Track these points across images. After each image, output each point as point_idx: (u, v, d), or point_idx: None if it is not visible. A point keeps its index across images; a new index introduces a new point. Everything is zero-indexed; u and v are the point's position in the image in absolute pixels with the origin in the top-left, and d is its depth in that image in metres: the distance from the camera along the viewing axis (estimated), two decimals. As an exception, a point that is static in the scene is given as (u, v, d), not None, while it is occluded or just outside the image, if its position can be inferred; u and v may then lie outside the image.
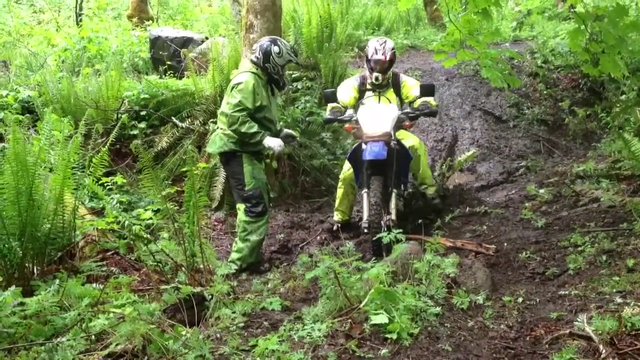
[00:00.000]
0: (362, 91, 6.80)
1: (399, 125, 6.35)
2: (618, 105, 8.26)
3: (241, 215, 5.82)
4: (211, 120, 7.94)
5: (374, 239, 5.56)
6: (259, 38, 7.25)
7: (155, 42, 10.69)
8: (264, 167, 6.02)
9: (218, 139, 5.86)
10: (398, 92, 6.73)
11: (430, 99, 6.49)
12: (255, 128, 5.68)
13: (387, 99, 6.67)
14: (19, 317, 3.69)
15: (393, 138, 6.07)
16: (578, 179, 6.97)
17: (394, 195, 6.08)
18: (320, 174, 7.83)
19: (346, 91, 6.76)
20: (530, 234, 5.82)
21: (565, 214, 6.13)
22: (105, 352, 3.47)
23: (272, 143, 5.82)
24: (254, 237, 5.81)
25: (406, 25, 14.29)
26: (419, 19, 14.97)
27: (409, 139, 6.74)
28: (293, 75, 8.94)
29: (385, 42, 6.64)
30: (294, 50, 6.10)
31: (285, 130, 6.38)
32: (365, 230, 5.79)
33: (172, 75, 9.42)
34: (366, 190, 5.94)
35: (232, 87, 5.80)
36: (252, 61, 5.95)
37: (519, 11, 10.48)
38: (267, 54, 5.85)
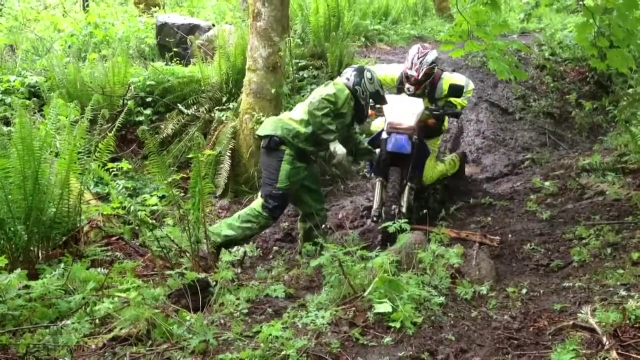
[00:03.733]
0: (399, 88, 6.60)
1: (421, 120, 6.26)
2: (625, 98, 8.22)
3: (258, 205, 5.60)
4: (217, 107, 7.94)
5: (380, 227, 5.56)
6: (266, 26, 7.27)
7: (162, 29, 10.67)
8: (306, 169, 5.70)
9: (271, 123, 5.68)
10: (433, 99, 6.52)
11: (457, 100, 6.45)
12: (333, 126, 5.51)
13: None
14: (24, 299, 3.73)
15: (415, 132, 6.01)
16: (584, 172, 6.94)
17: (407, 188, 6.07)
18: (325, 163, 7.81)
19: (386, 73, 6.73)
20: (535, 226, 5.82)
21: (571, 206, 6.13)
22: (110, 335, 3.49)
23: (339, 149, 5.60)
24: (252, 228, 5.61)
25: (413, 15, 14.23)
26: (426, 10, 14.89)
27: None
28: (300, 64, 8.93)
29: (425, 55, 6.35)
30: (382, 86, 6.02)
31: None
32: (375, 219, 5.78)
33: (178, 62, 9.41)
34: (380, 179, 5.94)
35: (328, 83, 5.77)
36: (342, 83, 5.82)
37: (527, 3, 10.43)
38: (359, 77, 5.77)
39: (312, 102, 5.57)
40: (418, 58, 6.31)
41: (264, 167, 5.74)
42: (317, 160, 6.03)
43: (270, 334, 3.32)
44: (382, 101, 6.04)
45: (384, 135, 5.96)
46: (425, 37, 12.40)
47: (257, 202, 5.63)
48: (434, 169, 6.81)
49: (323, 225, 5.57)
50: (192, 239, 4.81)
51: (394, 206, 5.72)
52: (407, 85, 6.41)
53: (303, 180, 5.67)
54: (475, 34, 4.81)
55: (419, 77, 6.32)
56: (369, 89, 5.79)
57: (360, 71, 5.84)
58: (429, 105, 6.43)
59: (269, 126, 5.65)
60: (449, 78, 6.55)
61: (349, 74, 5.85)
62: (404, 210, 5.89)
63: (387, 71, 6.79)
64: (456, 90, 6.32)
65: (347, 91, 5.66)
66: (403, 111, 6.05)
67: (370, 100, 5.88)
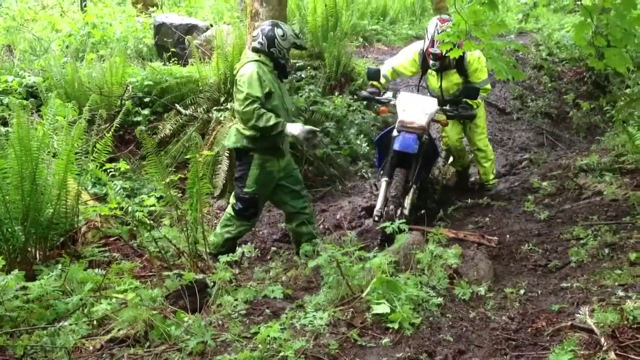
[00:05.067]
0: (424, 67, 6.66)
1: (434, 119, 6.34)
2: (623, 98, 8.23)
3: (229, 208, 5.65)
4: (215, 107, 7.93)
5: (378, 228, 5.55)
6: (264, 26, 7.24)
7: (160, 29, 10.65)
8: (281, 171, 5.62)
9: (233, 134, 5.58)
10: (463, 71, 6.60)
11: (473, 102, 6.50)
12: (273, 120, 5.33)
13: (450, 81, 6.63)
14: (22, 301, 3.72)
15: (426, 132, 6.04)
16: (581, 172, 6.95)
17: (412, 190, 6.04)
18: (322, 163, 7.82)
19: (406, 56, 6.75)
20: (533, 227, 5.81)
21: (568, 206, 6.13)
22: (108, 337, 3.49)
23: (294, 130, 5.45)
24: (231, 232, 5.59)
25: (411, 15, 14.26)
26: (424, 10, 14.92)
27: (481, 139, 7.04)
28: (297, 64, 8.92)
29: (445, 30, 6.17)
30: (296, 33, 5.92)
31: (306, 127, 5.91)
32: (376, 219, 5.73)
33: (176, 62, 9.40)
34: (387, 179, 5.88)
35: (235, 82, 5.50)
36: (254, 49, 5.59)
37: (524, 3, 10.44)
38: (271, 38, 5.52)
39: (239, 118, 5.48)
40: (438, 33, 6.19)
41: (237, 170, 5.71)
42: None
43: (269, 335, 3.31)
44: (302, 47, 6.08)
45: (395, 133, 5.97)
46: (422, 37, 12.40)
47: (229, 206, 5.67)
48: (484, 139, 7.13)
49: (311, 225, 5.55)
50: (190, 240, 4.80)
51: (392, 206, 5.70)
52: (431, 62, 6.45)
53: (278, 182, 5.62)
54: (473, 34, 4.80)
55: (444, 54, 6.17)
56: (285, 46, 5.57)
57: (271, 29, 5.57)
58: (459, 81, 6.55)
59: (232, 137, 5.57)
60: (474, 58, 6.53)
61: (260, 37, 5.58)
62: (406, 212, 5.86)
63: (406, 56, 6.77)
64: (471, 92, 6.34)
65: (255, 75, 5.36)
66: (415, 110, 6.04)
67: (288, 51, 5.66)
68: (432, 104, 6.19)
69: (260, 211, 5.95)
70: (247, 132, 5.45)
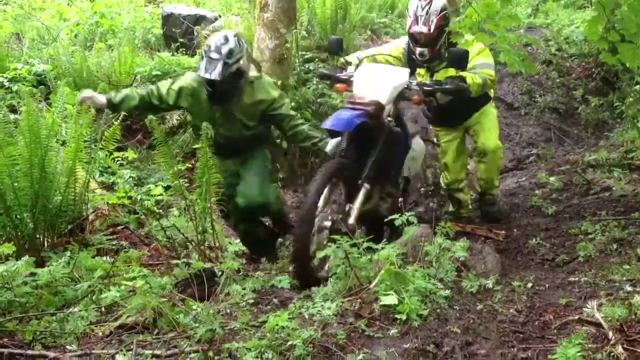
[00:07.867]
0: (411, 65, 5.35)
1: (403, 97, 4.90)
2: (632, 95, 8.21)
3: None
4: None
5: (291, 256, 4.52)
6: (273, 17, 7.24)
7: (168, 19, 10.65)
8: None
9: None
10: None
11: (467, 74, 5.02)
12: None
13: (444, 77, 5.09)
14: (31, 287, 3.74)
15: (390, 113, 4.71)
16: (589, 167, 6.94)
17: (363, 190, 4.65)
18: (305, 154, 7.78)
19: (389, 48, 5.60)
20: (541, 221, 5.81)
21: (576, 202, 6.12)
22: (117, 323, 3.51)
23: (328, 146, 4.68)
24: None
25: (419, 9, 14.20)
26: (432, 3, 14.86)
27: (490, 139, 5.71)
28: (306, 56, 8.90)
29: (430, 3, 5.07)
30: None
31: None
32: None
33: (184, 52, 9.40)
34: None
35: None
36: None
37: (534, -2, 10.41)
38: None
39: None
40: (422, 8, 5.08)
41: None
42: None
43: (277, 324, 3.32)
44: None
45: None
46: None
47: None
48: (494, 138, 5.83)
49: None
50: (198, 229, 4.81)
51: (336, 216, 4.58)
52: (418, 51, 5.18)
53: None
54: (485, 27, 4.76)
55: (431, 31, 5.06)
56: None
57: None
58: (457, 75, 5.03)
59: None
60: (471, 43, 5.03)
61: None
62: (351, 220, 4.58)
63: (390, 48, 5.62)
64: (458, 57, 4.84)
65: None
66: (375, 82, 4.72)
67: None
68: (399, 75, 4.84)
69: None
70: None
